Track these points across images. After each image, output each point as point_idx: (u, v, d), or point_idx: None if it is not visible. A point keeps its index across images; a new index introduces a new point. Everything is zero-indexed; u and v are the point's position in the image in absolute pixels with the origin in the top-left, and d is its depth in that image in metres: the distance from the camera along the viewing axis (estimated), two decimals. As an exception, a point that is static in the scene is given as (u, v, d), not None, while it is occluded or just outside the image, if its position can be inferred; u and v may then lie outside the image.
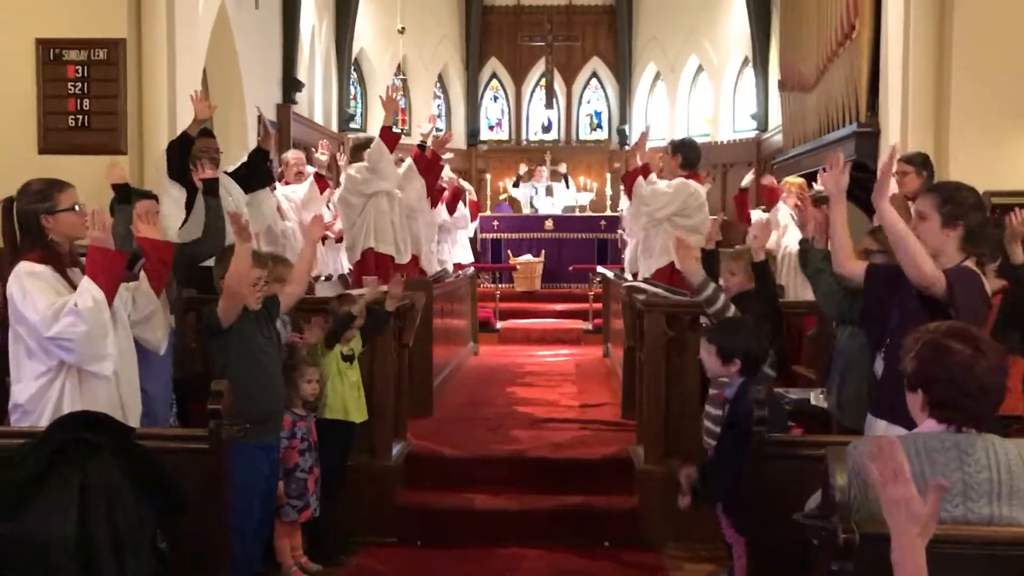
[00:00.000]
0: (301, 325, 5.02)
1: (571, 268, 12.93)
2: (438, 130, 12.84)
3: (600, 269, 11.04)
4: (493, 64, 16.78)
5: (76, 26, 6.29)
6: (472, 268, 11.13)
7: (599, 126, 16.93)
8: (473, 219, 11.34)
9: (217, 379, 3.54)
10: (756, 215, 8.44)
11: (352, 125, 14.36)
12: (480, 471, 5.71)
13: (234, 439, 3.47)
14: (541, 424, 6.67)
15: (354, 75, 14.66)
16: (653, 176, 7.06)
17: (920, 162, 5.50)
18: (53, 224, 3.55)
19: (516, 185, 14.71)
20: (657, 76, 16.13)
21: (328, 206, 7.98)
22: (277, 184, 7.48)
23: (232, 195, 5.80)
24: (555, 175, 14.78)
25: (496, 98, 17.06)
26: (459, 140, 15.79)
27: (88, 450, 3.01)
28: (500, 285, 12.57)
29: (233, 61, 9.40)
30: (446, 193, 9.44)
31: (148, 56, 6.43)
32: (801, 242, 4.19)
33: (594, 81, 16.84)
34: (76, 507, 2.93)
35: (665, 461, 5.27)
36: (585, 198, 14.75)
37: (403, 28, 13.74)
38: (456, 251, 10.70)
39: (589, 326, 11.45)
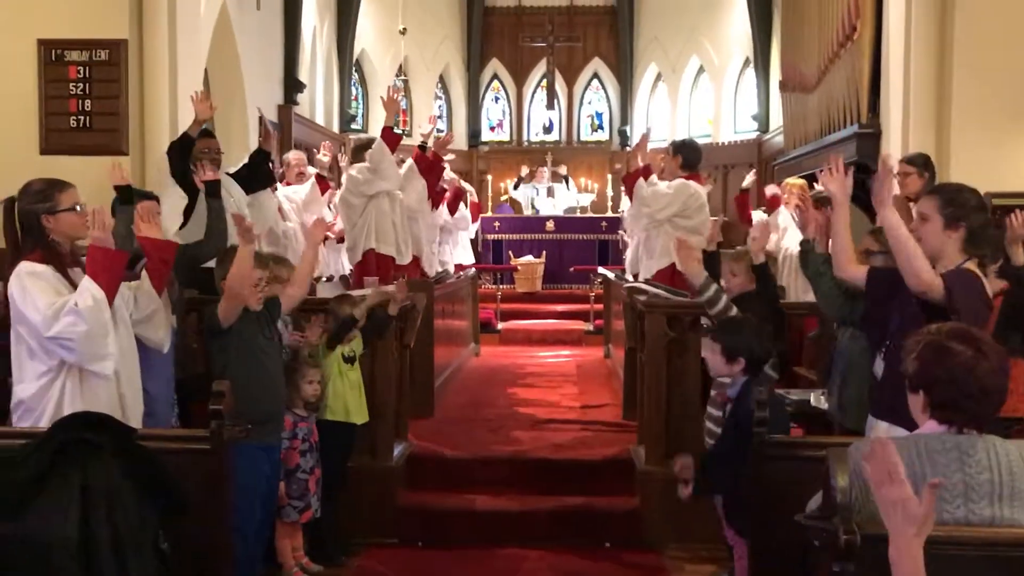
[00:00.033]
0: (303, 324, 5.02)
1: (572, 269, 12.94)
2: (439, 131, 12.85)
3: (601, 270, 11.04)
4: (494, 65, 16.78)
5: (78, 27, 6.30)
6: (473, 269, 11.13)
7: (600, 127, 16.93)
8: (474, 220, 11.33)
9: (218, 380, 3.54)
10: (757, 216, 8.43)
11: (353, 126, 14.35)
12: (481, 472, 5.72)
13: (235, 440, 3.48)
14: (542, 425, 6.67)
15: (355, 76, 14.66)
16: (654, 177, 7.05)
17: (922, 163, 5.49)
18: (54, 224, 3.56)
19: (517, 187, 14.72)
20: (658, 77, 16.12)
21: (329, 207, 7.99)
22: (278, 185, 7.47)
23: (233, 196, 5.80)
24: (556, 176, 14.79)
25: (497, 99, 17.06)
26: (460, 141, 15.80)
27: (89, 450, 3.02)
28: (501, 286, 12.58)
29: (234, 62, 9.40)
30: (447, 194, 9.44)
31: (150, 57, 6.43)
32: (802, 243, 4.18)
33: (595, 82, 16.84)
34: (77, 507, 2.93)
35: (666, 462, 5.22)
36: (586, 199, 14.76)
37: (404, 29, 13.74)
38: (457, 252, 10.70)
39: (590, 327, 11.46)
